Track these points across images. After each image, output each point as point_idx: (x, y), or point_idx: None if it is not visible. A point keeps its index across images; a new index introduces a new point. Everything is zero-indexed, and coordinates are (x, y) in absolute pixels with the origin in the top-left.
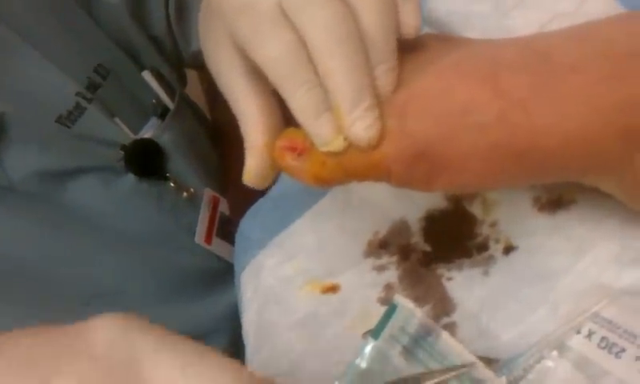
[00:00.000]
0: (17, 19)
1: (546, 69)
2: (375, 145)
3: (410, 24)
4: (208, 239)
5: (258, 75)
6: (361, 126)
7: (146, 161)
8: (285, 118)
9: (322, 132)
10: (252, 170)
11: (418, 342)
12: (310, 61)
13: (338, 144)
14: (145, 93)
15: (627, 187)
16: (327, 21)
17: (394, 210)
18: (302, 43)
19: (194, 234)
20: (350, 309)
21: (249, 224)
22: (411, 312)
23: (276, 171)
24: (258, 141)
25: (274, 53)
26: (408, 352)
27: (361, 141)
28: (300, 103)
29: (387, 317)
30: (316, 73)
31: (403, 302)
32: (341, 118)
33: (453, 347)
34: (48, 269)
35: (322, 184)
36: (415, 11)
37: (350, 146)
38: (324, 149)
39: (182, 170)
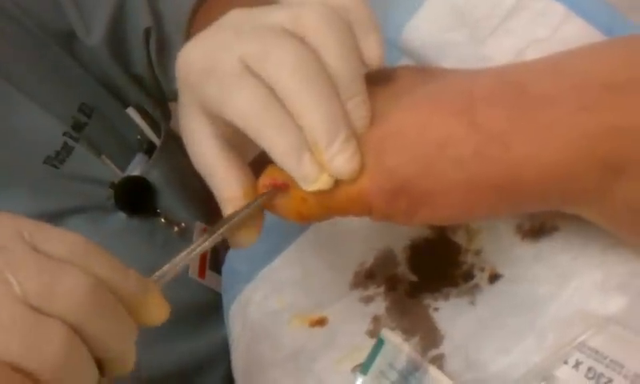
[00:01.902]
0: (1, 63)
1: (522, 101)
2: (357, 177)
3: (373, 55)
4: (201, 273)
5: (229, 145)
6: (341, 159)
7: (135, 198)
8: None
9: (305, 173)
10: (234, 234)
11: (406, 378)
12: (281, 105)
13: (324, 181)
14: (130, 129)
15: (607, 216)
16: (292, 62)
17: (379, 239)
18: (270, 90)
19: (186, 268)
20: (339, 342)
21: (235, 257)
22: (398, 347)
23: (259, 229)
24: (233, 193)
25: (243, 104)
26: None
27: (343, 174)
28: (279, 148)
29: (375, 352)
30: (288, 116)
31: (390, 336)
32: (320, 154)
33: (441, 382)
34: None
35: (304, 220)
36: (377, 42)
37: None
38: (312, 188)
39: (172, 205)
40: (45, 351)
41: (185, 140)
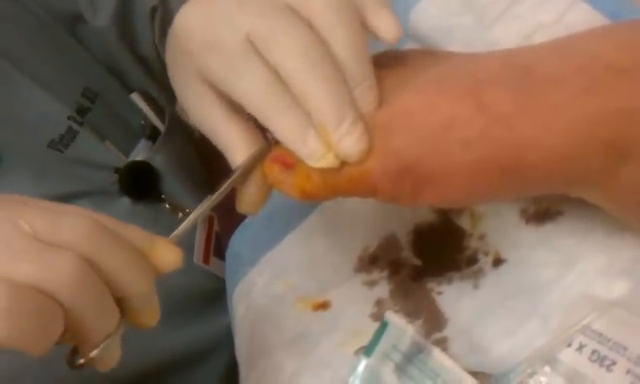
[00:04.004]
0: (4, 45)
1: (528, 83)
2: (364, 158)
3: (389, 28)
4: (206, 259)
5: (231, 104)
6: (349, 141)
7: (140, 183)
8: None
9: (310, 149)
10: (244, 196)
11: (409, 360)
12: (286, 88)
13: (330, 160)
14: (134, 114)
15: (612, 199)
16: (299, 46)
17: (383, 224)
18: (275, 73)
19: (191, 253)
20: (342, 325)
21: (239, 241)
22: (402, 329)
23: (267, 194)
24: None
25: (250, 87)
26: (400, 370)
27: (351, 156)
28: (283, 127)
29: (379, 334)
30: (294, 98)
31: (394, 319)
32: (328, 136)
33: (444, 363)
34: None
35: (308, 198)
36: (390, 15)
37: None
38: (317, 165)
39: (177, 191)
40: (59, 272)
41: (184, 104)
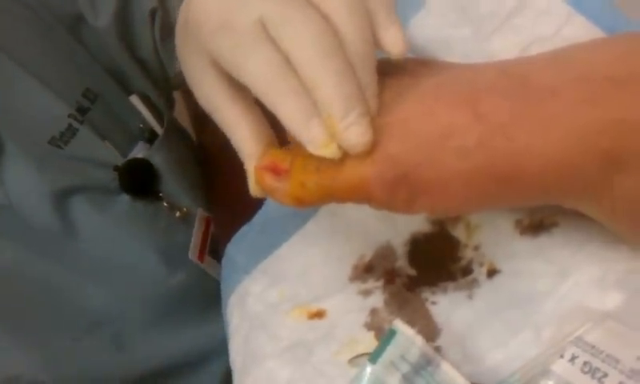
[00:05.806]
0: (8, 43)
1: (526, 93)
2: (362, 160)
3: (396, 43)
4: (201, 256)
5: (239, 88)
6: (355, 131)
7: (139, 181)
8: (272, 124)
9: (313, 135)
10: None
11: (417, 372)
12: (294, 73)
13: (332, 150)
14: (132, 117)
15: (607, 210)
16: (312, 35)
17: (379, 233)
18: (284, 57)
19: (188, 253)
20: (337, 334)
21: (235, 249)
22: (411, 339)
23: None
24: (254, 149)
25: (257, 68)
26: (407, 380)
27: (355, 146)
28: (288, 111)
29: (386, 342)
30: (301, 83)
31: (403, 328)
32: (334, 125)
33: (453, 378)
34: (47, 296)
35: (302, 205)
36: (399, 32)
37: (334, 162)
38: (318, 153)
39: (174, 190)
40: None
41: (191, 86)
